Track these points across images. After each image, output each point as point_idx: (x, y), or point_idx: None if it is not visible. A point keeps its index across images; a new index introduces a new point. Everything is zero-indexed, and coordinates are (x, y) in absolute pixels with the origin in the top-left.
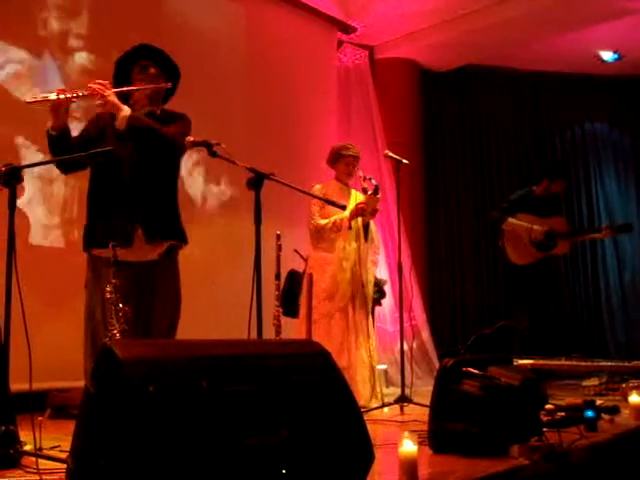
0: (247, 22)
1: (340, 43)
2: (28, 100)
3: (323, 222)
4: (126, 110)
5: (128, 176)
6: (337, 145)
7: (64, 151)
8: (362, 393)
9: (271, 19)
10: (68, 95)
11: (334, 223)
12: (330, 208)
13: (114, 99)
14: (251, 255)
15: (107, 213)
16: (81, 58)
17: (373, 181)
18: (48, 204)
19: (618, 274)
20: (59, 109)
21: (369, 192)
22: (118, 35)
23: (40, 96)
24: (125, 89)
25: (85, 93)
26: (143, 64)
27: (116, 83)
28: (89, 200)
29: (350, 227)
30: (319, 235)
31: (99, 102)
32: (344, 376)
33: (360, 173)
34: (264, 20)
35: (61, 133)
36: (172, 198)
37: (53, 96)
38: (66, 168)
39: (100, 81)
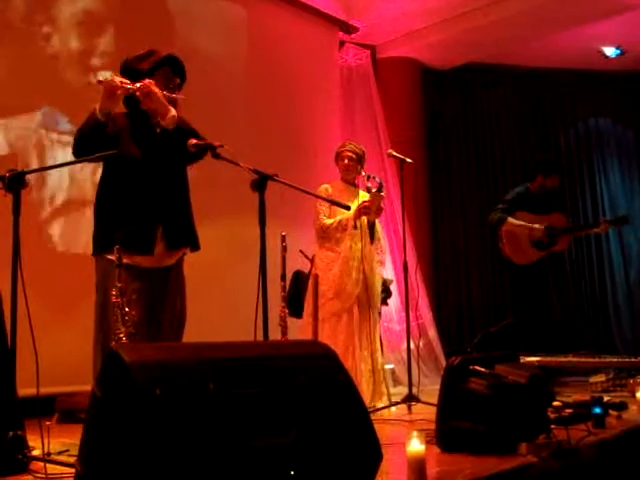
0: (249, 23)
1: (342, 43)
2: (100, 79)
3: (329, 222)
4: (173, 110)
5: (152, 181)
6: (340, 145)
7: (98, 137)
8: (365, 394)
9: (272, 20)
10: (129, 85)
11: (339, 222)
12: (337, 208)
13: (164, 99)
14: (256, 257)
15: (127, 218)
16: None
17: (377, 179)
18: (53, 209)
19: (624, 270)
20: (116, 94)
21: (373, 190)
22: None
23: (109, 77)
24: (174, 95)
25: (141, 87)
26: (169, 74)
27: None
28: (103, 202)
29: (356, 226)
30: (325, 235)
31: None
32: (351, 375)
33: (363, 172)
34: (265, 21)
35: (106, 119)
36: (189, 204)
37: (118, 80)
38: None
39: (150, 80)
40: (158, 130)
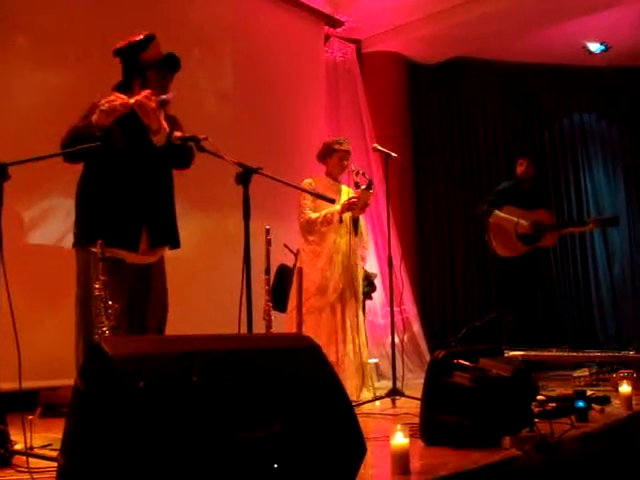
0: (233, 16)
1: (327, 37)
2: (103, 107)
3: (314, 216)
4: (165, 127)
5: (138, 176)
6: (330, 140)
7: (91, 147)
8: (349, 388)
9: (257, 13)
10: (130, 102)
11: (325, 217)
12: (321, 202)
13: (160, 115)
14: (240, 250)
15: (112, 212)
16: None
17: (367, 175)
18: (34, 200)
19: (607, 266)
20: (117, 112)
21: (362, 187)
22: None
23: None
24: (166, 97)
25: (137, 102)
26: (166, 72)
27: (126, 72)
28: (87, 194)
29: (341, 221)
30: (310, 228)
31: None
32: (335, 369)
33: (352, 167)
34: (250, 14)
35: (102, 133)
36: (173, 201)
37: (118, 102)
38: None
39: (147, 93)
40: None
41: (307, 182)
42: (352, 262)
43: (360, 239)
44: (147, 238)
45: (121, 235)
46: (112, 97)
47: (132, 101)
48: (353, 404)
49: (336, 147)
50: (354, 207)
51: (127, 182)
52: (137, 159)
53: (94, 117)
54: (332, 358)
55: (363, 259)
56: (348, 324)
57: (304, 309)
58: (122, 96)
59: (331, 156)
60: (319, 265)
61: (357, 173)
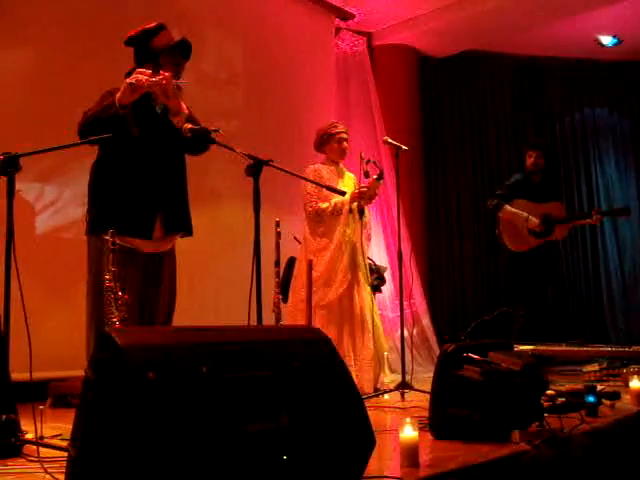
0: (244, 9)
1: (338, 30)
2: (132, 81)
3: (324, 206)
4: (185, 109)
5: (152, 164)
6: (323, 127)
7: (113, 126)
8: (366, 380)
9: (268, 6)
10: (153, 79)
11: (335, 206)
12: (327, 191)
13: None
14: (249, 242)
15: (126, 200)
16: None
17: (378, 164)
18: (45, 189)
19: (618, 260)
20: (140, 90)
21: (374, 177)
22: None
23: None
24: (181, 82)
25: (161, 80)
26: (178, 58)
27: (134, 55)
28: (101, 182)
29: (351, 210)
30: (319, 219)
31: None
32: (345, 362)
33: (362, 155)
34: (261, 7)
35: (124, 111)
36: (186, 189)
37: (144, 77)
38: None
39: (169, 74)
40: (158, 110)
41: (313, 168)
42: (359, 252)
43: (364, 228)
44: (161, 225)
45: (135, 223)
46: (136, 74)
47: (156, 79)
48: (363, 397)
49: (332, 131)
50: (363, 197)
51: (141, 168)
52: (151, 145)
53: (117, 95)
54: (344, 350)
55: (368, 238)
56: (367, 315)
57: (312, 302)
58: (148, 72)
59: (329, 141)
60: (327, 256)
61: (367, 162)
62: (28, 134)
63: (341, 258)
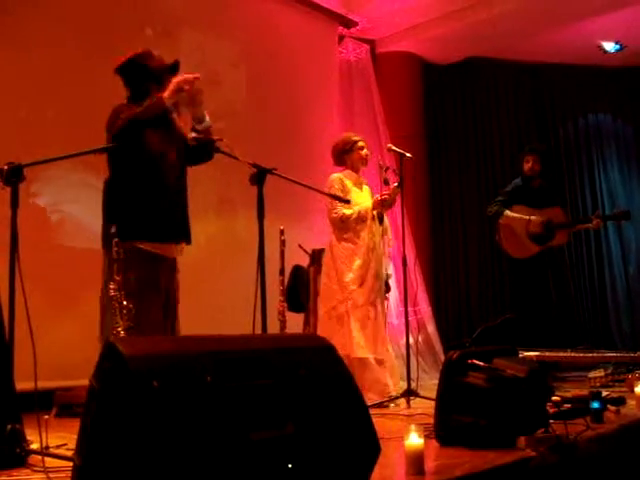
0: (248, 17)
1: (341, 38)
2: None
3: (348, 212)
4: (208, 118)
5: (173, 175)
6: (342, 138)
7: (160, 123)
8: (393, 383)
9: (272, 14)
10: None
11: (359, 213)
12: (350, 198)
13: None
14: (253, 251)
15: (153, 208)
16: None
17: (397, 172)
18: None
19: (623, 265)
20: (183, 89)
21: (395, 184)
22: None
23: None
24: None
25: (197, 89)
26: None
27: (129, 80)
28: (122, 192)
29: (374, 218)
30: (344, 225)
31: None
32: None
33: (381, 162)
34: (265, 15)
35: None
36: (187, 198)
37: (191, 76)
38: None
39: (198, 75)
40: (175, 120)
41: (337, 177)
42: (379, 260)
43: (385, 237)
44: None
45: (169, 227)
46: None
47: (191, 76)
48: (368, 404)
49: (354, 139)
50: (385, 204)
51: (162, 177)
52: (167, 155)
53: (166, 94)
54: (381, 356)
55: (389, 244)
56: (384, 322)
57: (342, 309)
58: (191, 74)
59: (351, 151)
60: (356, 264)
61: (386, 169)
62: (35, 144)
63: (370, 264)
